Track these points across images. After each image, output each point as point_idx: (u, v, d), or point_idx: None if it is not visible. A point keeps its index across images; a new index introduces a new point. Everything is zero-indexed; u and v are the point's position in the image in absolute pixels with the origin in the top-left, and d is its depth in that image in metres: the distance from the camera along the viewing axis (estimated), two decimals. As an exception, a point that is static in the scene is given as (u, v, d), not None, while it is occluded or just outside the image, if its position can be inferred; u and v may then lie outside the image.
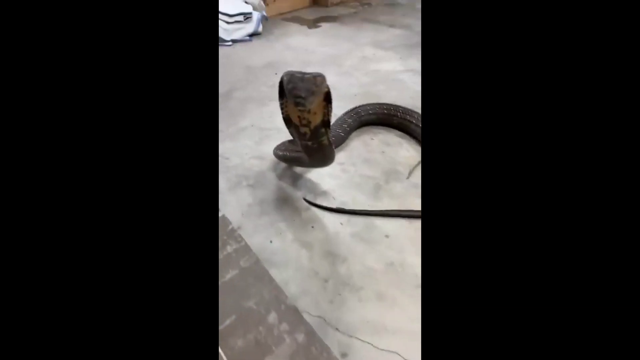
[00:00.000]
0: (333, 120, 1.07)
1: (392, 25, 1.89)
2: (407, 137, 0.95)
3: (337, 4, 2.30)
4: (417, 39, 1.70)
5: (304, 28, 1.88)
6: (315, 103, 0.48)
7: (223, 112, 1.11)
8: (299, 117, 0.52)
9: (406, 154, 0.90)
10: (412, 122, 0.91)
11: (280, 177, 0.83)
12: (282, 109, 0.55)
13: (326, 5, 2.24)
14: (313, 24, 1.94)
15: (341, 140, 0.90)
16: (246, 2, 1.82)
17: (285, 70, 0.50)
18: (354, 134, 0.98)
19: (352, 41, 1.68)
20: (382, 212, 0.72)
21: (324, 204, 0.74)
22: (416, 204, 0.75)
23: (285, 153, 0.79)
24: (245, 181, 0.82)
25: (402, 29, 1.83)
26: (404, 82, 1.26)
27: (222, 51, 1.66)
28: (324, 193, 0.78)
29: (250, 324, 0.50)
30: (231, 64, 1.50)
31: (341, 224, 0.71)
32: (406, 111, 0.93)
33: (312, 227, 0.70)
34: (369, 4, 2.29)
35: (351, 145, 0.94)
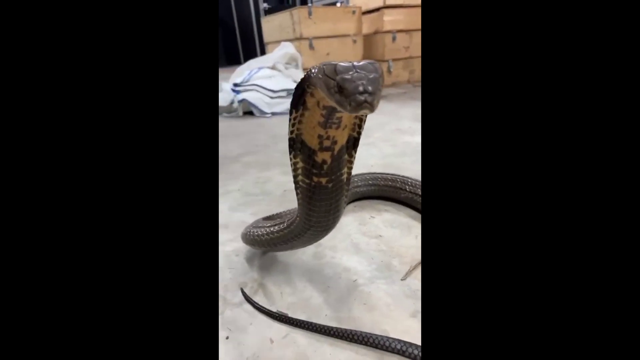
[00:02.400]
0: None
1: (442, 102, 1.73)
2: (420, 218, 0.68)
3: (389, 86, 2.28)
4: None
5: (347, 104, 1.85)
6: (379, 102, 0.32)
7: (221, 175, 1.02)
8: (320, 135, 0.38)
9: (412, 242, 0.62)
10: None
11: (234, 252, 0.63)
12: (293, 125, 0.39)
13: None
14: (358, 101, 1.91)
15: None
16: (294, 81, 1.90)
17: (320, 63, 0.33)
18: (349, 209, 0.75)
19: (393, 116, 1.56)
20: (342, 332, 0.44)
21: (266, 302, 0.50)
22: (401, 326, 0.45)
23: (260, 232, 0.55)
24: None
25: None
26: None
27: (258, 121, 1.69)
28: (277, 283, 0.54)
29: None
30: (259, 132, 1.49)
31: (271, 341, 0.45)
32: (417, 184, 0.68)
33: (227, 337, 0.45)
34: (420, 85, 2.22)
35: (342, 222, 0.71)
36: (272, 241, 0.52)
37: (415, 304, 0.49)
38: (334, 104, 0.31)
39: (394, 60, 2.30)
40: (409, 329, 0.45)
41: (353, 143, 0.40)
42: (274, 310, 0.49)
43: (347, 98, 0.29)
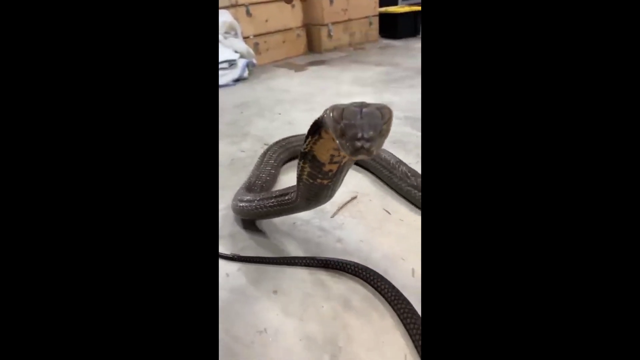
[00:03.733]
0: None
1: (379, 64, 1.84)
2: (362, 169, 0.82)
3: (331, 50, 2.33)
4: (401, 73, 1.63)
5: (291, 72, 1.89)
6: (381, 145, 0.33)
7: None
8: (332, 155, 0.41)
9: (341, 189, 0.76)
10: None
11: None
12: (308, 144, 0.42)
13: (320, 52, 2.29)
14: (302, 67, 1.95)
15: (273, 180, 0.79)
16: (235, 51, 1.88)
17: (332, 105, 0.35)
18: (290, 165, 0.86)
19: (333, 80, 1.64)
20: (281, 259, 0.57)
21: (222, 249, 0.61)
22: (330, 250, 0.59)
23: (263, 204, 0.60)
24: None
25: (388, 66, 1.77)
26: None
27: (204, 95, 1.68)
28: (231, 233, 0.65)
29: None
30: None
31: (227, 275, 0.56)
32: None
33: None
34: (362, 48, 2.30)
35: (284, 181, 0.82)
36: (276, 212, 0.59)
37: (340, 233, 0.63)
38: (338, 145, 0.33)
39: (334, 23, 2.34)
40: (334, 250, 0.59)
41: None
42: (229, 253, 0.60)
43: (346, 142, 0.31)
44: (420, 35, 2.44)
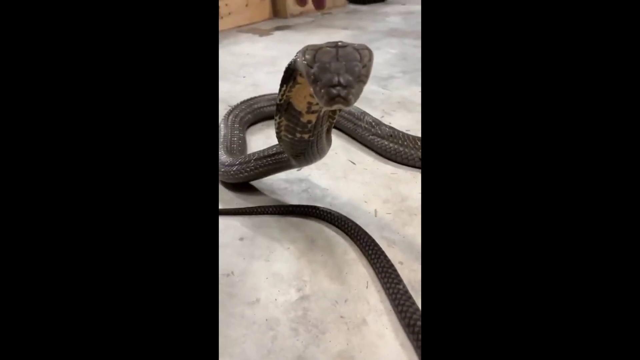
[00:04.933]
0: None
1: (345, 28, 1.81)
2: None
3: (297, 15, 2.25)
4: (368, 36, 1.61)
5: (256, 36, 1.82)
6: (360, 94, 0.28)
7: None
8: (309, 103, 0.37)
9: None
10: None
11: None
12: (282, 94, 0.38)
13: (286, 17, 2.20)
14: (267, 32, 1.88)
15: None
16: None
17: (305, 46, 0.31)
18: (269, 124, 0.85)
19: (299, 44, 1.59)
20: (246, 210, 0.58)
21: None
22: (297, 200, 0.60)
23: (255, 164, 0.57)
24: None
25: (355, 30, 1.75)
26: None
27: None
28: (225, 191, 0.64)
29: None
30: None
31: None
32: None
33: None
34: (329, 13, 2.24)
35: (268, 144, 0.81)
36: (270, 170, 0.57)
37: (306, 184, 0.64)
38: (312, 93, 0.29)
39: (300, -14, 2.25)
40: (300, 199, 0.60)
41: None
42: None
43: (320, 90, 0.27)
44: (387, 1, 2.41)
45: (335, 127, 0.82)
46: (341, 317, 0.40)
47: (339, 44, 0.30)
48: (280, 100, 0.39)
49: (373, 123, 0.70)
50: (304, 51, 0.31)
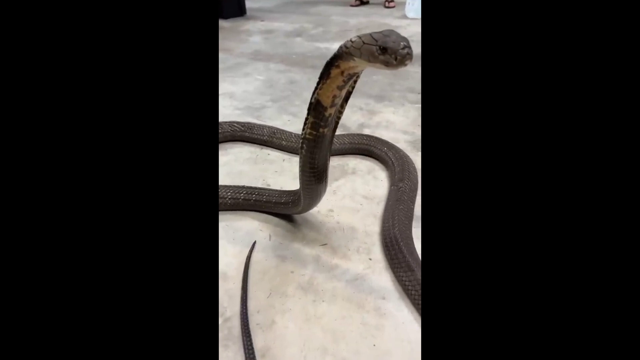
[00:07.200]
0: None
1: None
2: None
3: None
4: (235, 60, 1.53)
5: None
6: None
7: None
8: (334, 96, 0.43)
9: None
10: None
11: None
12: (315, 92, 0.43)
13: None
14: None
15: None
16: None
17: (349, 38, 0.37)
18: None
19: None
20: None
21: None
22: (285, 184, 0.71)
23: (270, 199, 0.64)
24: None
25: (221, 52, 1.60)
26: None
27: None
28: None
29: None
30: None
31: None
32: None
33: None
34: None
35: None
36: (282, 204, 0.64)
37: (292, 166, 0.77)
38: (378, 65, 0.35)
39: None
40: (285, 185, 0.74)
41: (347, 97, 0.46)
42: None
43: (391, 55, 0.34)
44: (247, 15, 2.32)
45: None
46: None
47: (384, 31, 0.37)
48: (312, 99, 0.45)
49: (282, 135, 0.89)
50: (357, 38, 0.37)
